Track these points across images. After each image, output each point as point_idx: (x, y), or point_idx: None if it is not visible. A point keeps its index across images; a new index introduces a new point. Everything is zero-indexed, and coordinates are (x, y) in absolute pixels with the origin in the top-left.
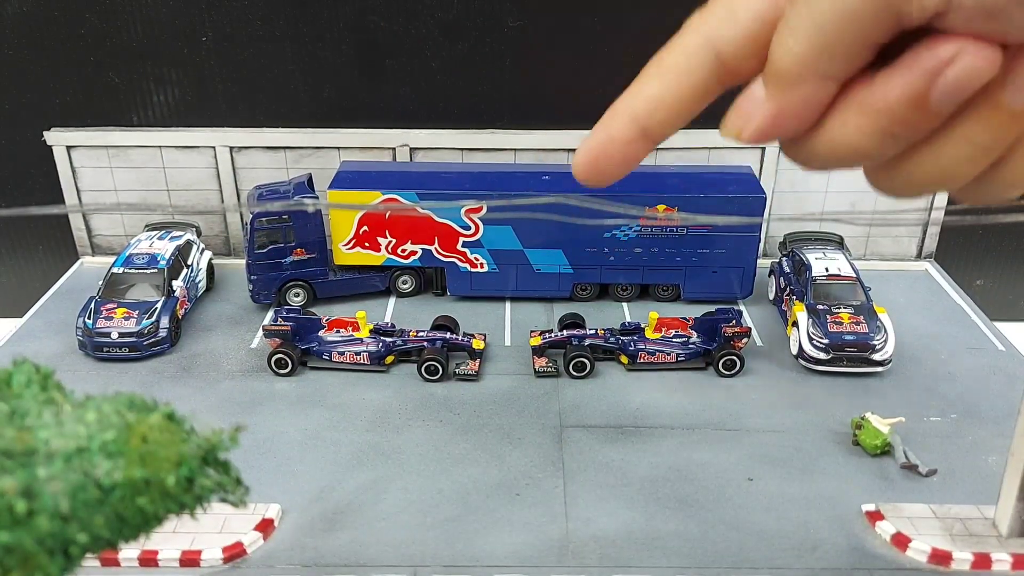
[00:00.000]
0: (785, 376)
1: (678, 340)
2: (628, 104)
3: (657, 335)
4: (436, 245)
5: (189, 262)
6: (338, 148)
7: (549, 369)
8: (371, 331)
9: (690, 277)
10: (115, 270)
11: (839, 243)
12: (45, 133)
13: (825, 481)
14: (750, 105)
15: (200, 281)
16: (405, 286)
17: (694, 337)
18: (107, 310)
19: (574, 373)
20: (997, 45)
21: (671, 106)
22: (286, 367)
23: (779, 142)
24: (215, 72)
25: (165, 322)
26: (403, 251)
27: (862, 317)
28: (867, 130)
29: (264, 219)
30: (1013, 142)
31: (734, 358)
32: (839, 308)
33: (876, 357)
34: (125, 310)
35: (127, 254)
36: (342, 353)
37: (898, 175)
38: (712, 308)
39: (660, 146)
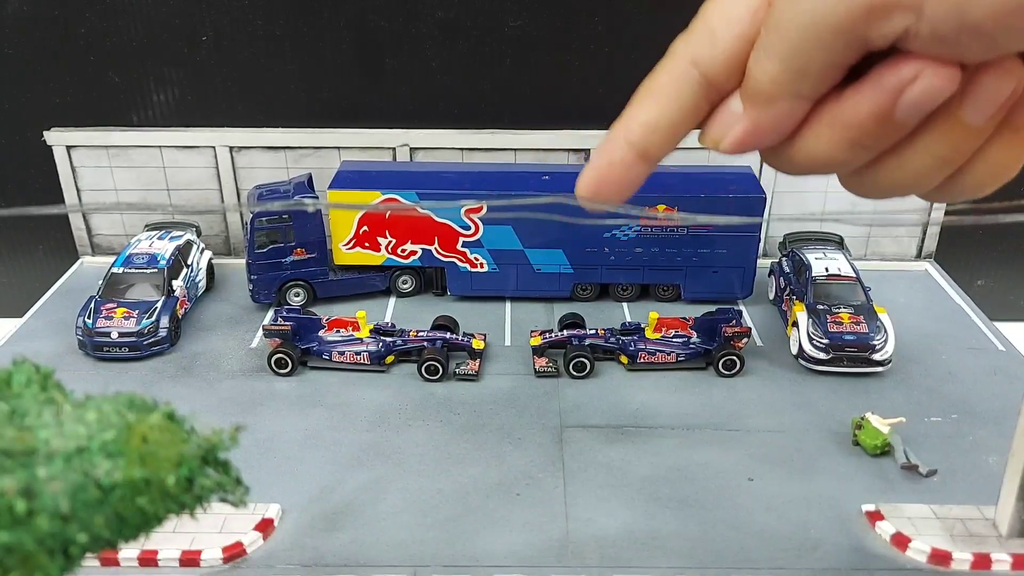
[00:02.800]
0: (785, 376)
1: (678, 340)
2: (624, 129)
3: (657, 335)
4: (436, 245)
5: (189, 262)
6: (338, 148)
7: (549, 369)
8: (371, 331)
9: (690, 277)
10: (115, 270)
11: (839, 243)
12: (45, 133)
13: (825, 481)
14: (728, 118)
15: (200, 281)
16: (405, 286)
17: (694, 337)
18: (107, 310)
19: (574, 373)
20: (955, 65)
21: (665, 129)
22: (286, 367)
23: (759, 151)
24: (215, 72)
25: (165, 322)
26: (403, 251)
27: (862, 317)
28: (839, 142)
29: (264, 219)
30: (974, 152)
31: (734, 358)
32: (839, 308)
33: (876, 357)
34: (125, 310)
35: (127, 254)
36: (342, 353)
37: (867, 181)
38: (712, 308)
39: None
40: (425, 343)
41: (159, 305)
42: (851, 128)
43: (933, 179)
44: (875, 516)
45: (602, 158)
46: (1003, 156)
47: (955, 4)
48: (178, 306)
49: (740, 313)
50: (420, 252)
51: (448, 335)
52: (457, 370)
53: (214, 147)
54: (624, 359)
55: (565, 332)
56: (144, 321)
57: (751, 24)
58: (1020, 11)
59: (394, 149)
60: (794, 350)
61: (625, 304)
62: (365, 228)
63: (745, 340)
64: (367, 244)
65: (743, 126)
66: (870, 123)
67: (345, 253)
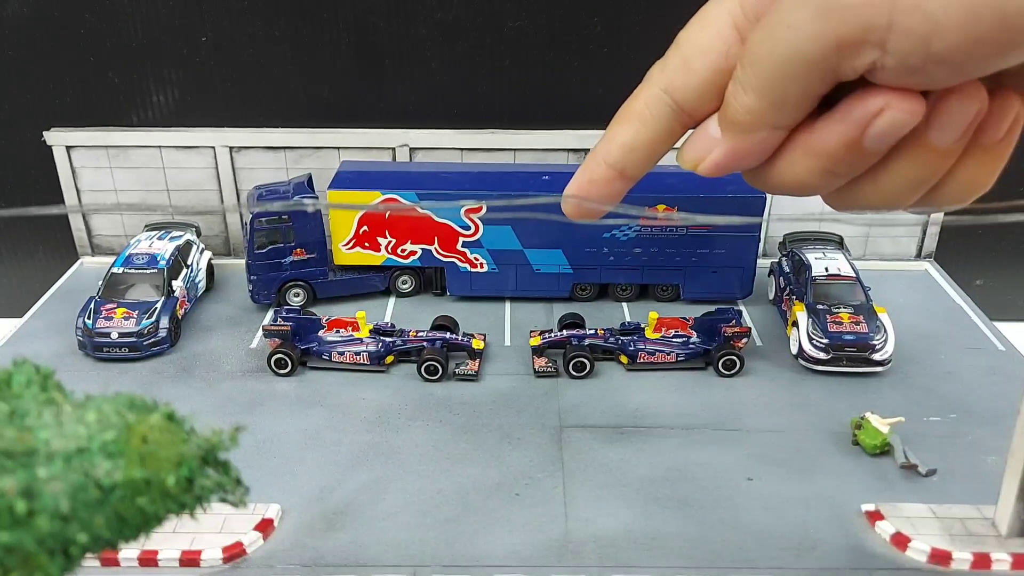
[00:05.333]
0: (785, 376)
1: (678, 340)
2: (603, 150)
3: (657, 335)
4: (436, 245)
5: (189, 262)
6: (338, 148)
7: (549, 369)
8: (371, 331)
9: (690, 277)
10: (115, 270)
11: (839, 243)
12: (45, 133)
13: (825, 481)
14: (707, 142)
15: (200, 281)
16: (405, 286)
17: (694, 337)
18: (107, 310)
19: (574, 373)
20: (920, 95)
21: (640, 150)
22: (286, 367)
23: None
24: (215, 72)
25: (165, 322)
26: (403, 251)
27: (862, 317)
28: (812, 169)
29: (264, 219)
30: (946, 171)
31: (734, 358)
32: (839, 308)
33: (876, 357)
34: (125, 310)
35: (127, 254)
36: (342, 353)
37: (847, 200)
38: (712, 308)
39: None
40: (425, 343)
41: (159, 305)
42: (823, 157)
43: (908, 198)
44: (874, 516)
45: (583, 176)
46: (973, 174)
47: (919, 38)
48: (178, 306)
49: (740, 313)
50: (420, 252)
51: (448, 335)
52: (457, 370)
53: (214, 147)
54: (624, 359)
55: (565, 332)
56: (144, 321)
57: (723, 55)
58: (982, 41)
59: (394, 149)
60: (794, 350)
61: (625, 304)
62: (365, 228)
63: (745, 340)
64: (367, 244)
65: (722, 151)
66: (841, 152)
67: (345, 253)
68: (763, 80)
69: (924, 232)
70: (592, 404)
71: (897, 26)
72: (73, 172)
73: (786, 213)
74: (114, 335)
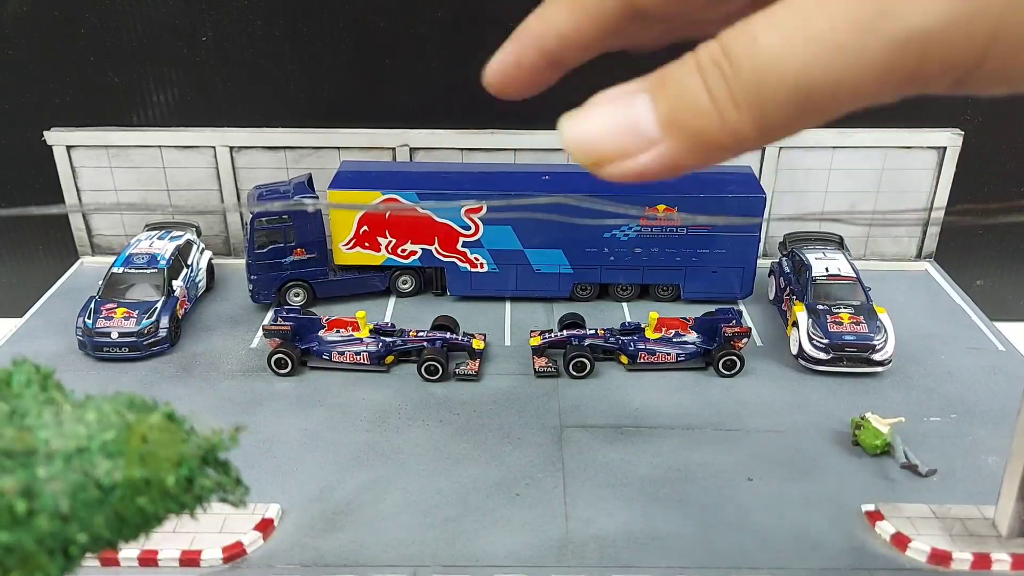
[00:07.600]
0: (785, 376)
1: (678, 340)
2: (537, 32)
3: (657, 335)
4: (436, 245)
5: (189, 262)
6: (338, 148)
7: (549, 369)
8: (371, 331)
9: (690, 277)
10: (115, 270)
11: (839, 243)
12: (45, 133)
13: (825, 481)
14: (633, 139)
15: (200, 281)
16: (405, 286)
17: (694, 337)
18: (107, 310)
19: (574, 373)
20: None
21: (578, 41)
22: (286, 367)
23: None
24: (215, 72)
25: (165, 322)
26: (403, 251)
27: (862, 317)
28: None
29: (264, 219)
30: None
31: (734, 358)
32: (839, 308)
33: (876, 357)
34: (125, 310)
35: (127, 254)
36: (342, 353)
37: None
38: (712, 308)
39: None
40: (425, 343)
41: (159, 305)
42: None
43: None
44: (875, 516)
45: (511, 56)
46: None
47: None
48: (178, 306)
49: (740, 313)
50: (420, 252)
51: (448, 335)
52: (457, 370)
53: (214, 147)
54: (624, 359)
55: (565, 332)
56: (144, 321)
57: None
58: None
59: (394, 149)
60: (794, 350)
61: (625, 304)
62: (365, 228)
63: (745, 340)
64: (367, 244)
65: (657, 159)
66: None
67: (345, 253)
68: (770, 104)
69: (924, 232)
70: (592, 404)
71: (992, 57)
72: (73, 172)
73: (786, 213)
74: (114, 335)
